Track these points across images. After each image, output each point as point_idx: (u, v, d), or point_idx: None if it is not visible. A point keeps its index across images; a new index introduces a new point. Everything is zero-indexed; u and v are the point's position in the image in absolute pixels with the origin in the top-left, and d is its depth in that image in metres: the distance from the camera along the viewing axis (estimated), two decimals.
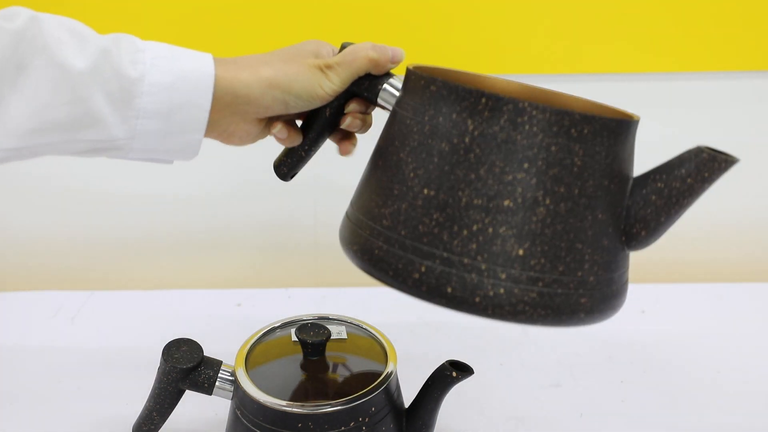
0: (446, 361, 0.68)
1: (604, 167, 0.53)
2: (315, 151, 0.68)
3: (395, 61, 0.61)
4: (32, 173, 1.03)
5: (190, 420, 0.78)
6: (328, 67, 0.60)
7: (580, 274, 0.53)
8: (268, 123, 0.64)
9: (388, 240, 0.54)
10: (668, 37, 0.97)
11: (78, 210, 1.05)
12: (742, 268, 1.09)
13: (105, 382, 0.85)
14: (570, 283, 0.53)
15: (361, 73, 0.61)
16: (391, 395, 0.67)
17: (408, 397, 0.71)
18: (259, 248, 1.08)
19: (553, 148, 0.51)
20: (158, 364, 0.67)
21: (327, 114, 0.64)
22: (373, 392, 0.65)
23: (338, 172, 1.03)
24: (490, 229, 0.52)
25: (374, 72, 0.61)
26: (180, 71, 0.57)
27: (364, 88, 0.62)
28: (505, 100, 0.52)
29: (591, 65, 0.98)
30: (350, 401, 0.64)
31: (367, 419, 0.65)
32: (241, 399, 0.66)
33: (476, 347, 0.91)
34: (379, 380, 0.66)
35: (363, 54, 0.60)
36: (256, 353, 0.70)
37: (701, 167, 0.54)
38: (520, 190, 0.52)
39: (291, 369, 0.69)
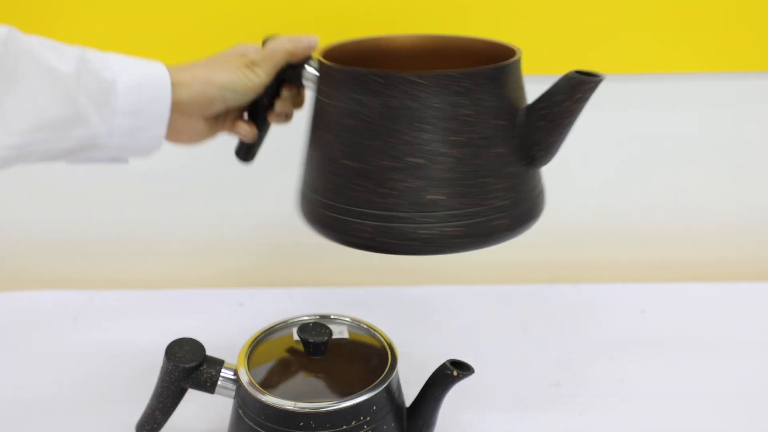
0: (447, 360, 0.69)
1: (492, 109, 0.62)
2: (265, 134, 0.77)
3: (311, 48, 0.70)
4: (33, 173, 1.03)
5: (192, 419, 0.78)
6: (253, 63, 0.69)
7: (493, 202, 0.63)
8: (214, 122, 0.72)
9: (331, 208, 0.64)
10: (668, 37, 0.97)
11: (79, 209, 1.06)
12: (742, 268, 1.09)
13: (107, 382, 0.85)
14: (487, 212, 0.63)
15: (283, 64, 0.70)
16: (393, 394, 0.68)
17: (409, 395, 0.71)
18: (261, 248, 1.08)
19: (444, 106, 0.60)
20: (161, 364, 0.68)
21: (266, 102, 0.73)
22: (375, 391, 0.65)
23: None
24: (410, 184, 0.61)
25: (294, 61, 0.70)
26: (143, 74, 0.65)
27: (289, 75, 0.71)
28: (394, 77, 0.60)
29: (591, 65, 0.98)
30: (352, 400, 0.64)
31: (368, 418, 0.65)
32: (243, 398, 0.67)
33: (476, 347, 0.91)
34: (380, 379, 0.66)
35: (281, 48, 0.69)
36: (258, 352, 0.70)
37: (574, 90, 0.62)
38: (425, 147, 0.61)
39: (293, 368, 0.70)
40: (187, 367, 0.67)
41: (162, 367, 0.68)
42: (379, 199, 0.62)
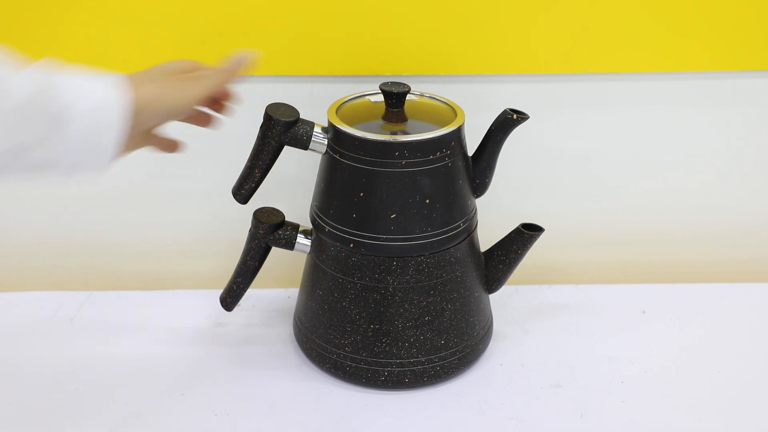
0: (507, 108, 0.81)
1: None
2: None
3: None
4: None
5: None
6: None
7: (475, 333, 0.85)
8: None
9: (354, 360, 0.82)
10: (668, 37, 0.97)
11: (77, 210, 1.05)
12: (742, 268, 1.09)
13: (104, 383, 0.85)
14: (472, 340, 0.85)
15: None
16: (462, 138, 0.81)
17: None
18: None
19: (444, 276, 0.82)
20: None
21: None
22: (453, 128, 0.79)
23: None
24: (422, 337, 0.81)
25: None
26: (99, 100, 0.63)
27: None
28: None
29: (591, 65, 0.98)
30: (438, 132, 0.78)
31: (448, 151, 0.78)
32: (335, 138, 0.79)
33: None
34: (454, 121, 0.80)
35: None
36: (343, 112, 0.81)
37: (525, 242, 0.84)
38: (431, 308, 0.81)
39: (377, 117, 0.82)
40: (287, 122, 0.77)
41: (261, 127, 0.78)
42: (396, 351, 0.81)
